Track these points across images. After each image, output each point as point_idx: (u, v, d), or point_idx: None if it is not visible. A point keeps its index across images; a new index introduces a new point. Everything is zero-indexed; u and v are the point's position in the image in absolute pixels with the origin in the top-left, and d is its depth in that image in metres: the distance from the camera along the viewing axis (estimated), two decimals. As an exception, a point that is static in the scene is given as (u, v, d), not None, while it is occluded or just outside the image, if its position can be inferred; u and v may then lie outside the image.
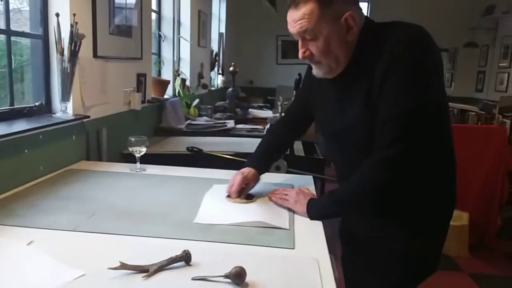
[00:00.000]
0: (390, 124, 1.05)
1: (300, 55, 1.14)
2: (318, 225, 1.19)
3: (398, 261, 1.19)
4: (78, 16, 1.66)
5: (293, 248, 1.05)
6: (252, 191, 1.40)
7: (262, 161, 1.45)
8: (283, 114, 2.32)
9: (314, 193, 1.40)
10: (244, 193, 1.36)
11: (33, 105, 1.68)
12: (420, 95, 1.04)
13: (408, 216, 1.17)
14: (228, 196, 1.36)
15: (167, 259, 0.91)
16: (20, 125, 1.49)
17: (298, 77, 2.87)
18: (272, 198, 1.35)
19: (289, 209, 1.28)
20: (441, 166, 1.16)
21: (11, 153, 1.41)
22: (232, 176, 1.39)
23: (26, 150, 1.48)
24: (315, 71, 1.19)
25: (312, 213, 1.23)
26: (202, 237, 1.08)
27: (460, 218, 3.04)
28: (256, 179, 1.40)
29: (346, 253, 1.42)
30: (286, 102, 2.77)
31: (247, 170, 1.39)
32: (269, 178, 1.59)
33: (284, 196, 1.32)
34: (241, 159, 1.85)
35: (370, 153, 1.10)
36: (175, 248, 0.95)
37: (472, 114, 3.63)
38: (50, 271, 0.88)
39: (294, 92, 2.56)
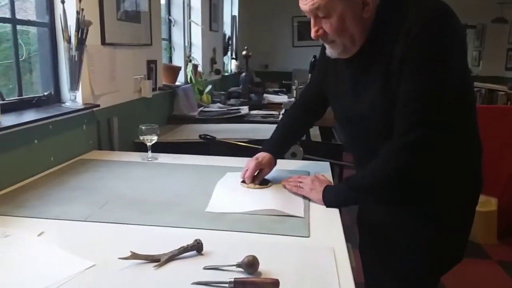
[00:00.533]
0: (409, 108, 0.99)
1: (312, 34, 1.08)
2: (334, 213, 1.16)
3: (418, 250, 1.14)
4: (84, 2, 1.62)
5: (308, 237, 1.02)
6: (268, 177, 1.37)
7: (277, 146, 1.42)
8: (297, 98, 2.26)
9: (331, 180, 1.36)
10: (258, 179, 1.34)
11: (42, 94, 1.67)
12: (440, 76, 0.98)
13: (429, 203, 1.11)
14: (243, 181, 1.34)
15: (179, 249, 0.90)
16: (29, 115, 1.48)
17: (313, 59, 2.79)
18: (287, 186, 1.31)
19: (304, 197, 1.25)
20: (464, 150, 1.10)
21: (21, 143, 1.40)
22: (247, 162, 1.37)
23: (36, 141, 1.47)
24: (329, 51, 1.13)
25: (328, 200, 1.19)
26: (214, 226, 1.06)
27: (488, 204, 2.93)
28: (271, 165, 1.37)
29: (364, 241, 1.37)
30: (301, 86, 2.70)
31: (261, 155, 1.36)
32: (284, 165, 1.56)
33: (299, 184, 1.28)
34: (256, 146, 1.81)
35: (387, 139, 1.04)
36: (186, 237, 0.94)
37: (501, 94, 3.50)
38: (60, 262, 0.88)
39: (310, 75, 2.49)
